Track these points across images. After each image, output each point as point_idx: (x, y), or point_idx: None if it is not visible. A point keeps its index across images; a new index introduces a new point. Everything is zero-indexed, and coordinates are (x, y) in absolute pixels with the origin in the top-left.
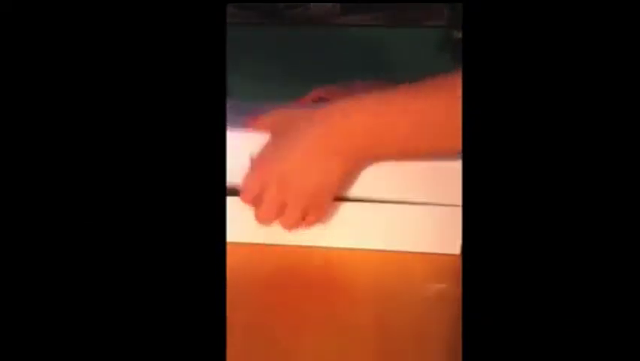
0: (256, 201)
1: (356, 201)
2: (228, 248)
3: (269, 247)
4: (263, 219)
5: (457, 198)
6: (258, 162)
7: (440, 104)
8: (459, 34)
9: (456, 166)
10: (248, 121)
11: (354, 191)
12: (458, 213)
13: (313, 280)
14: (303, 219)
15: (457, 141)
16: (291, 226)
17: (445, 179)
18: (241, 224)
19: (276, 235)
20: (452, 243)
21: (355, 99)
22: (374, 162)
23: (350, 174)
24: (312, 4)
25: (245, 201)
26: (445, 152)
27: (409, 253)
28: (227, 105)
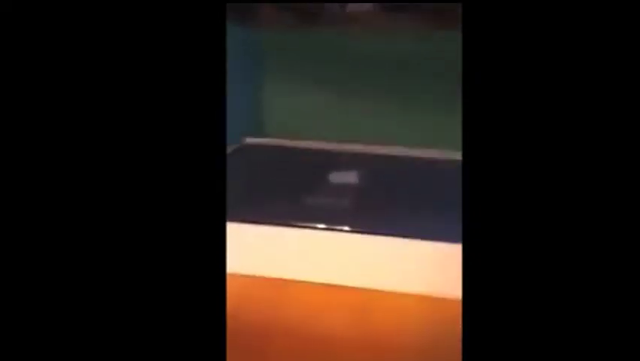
0: None
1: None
2: (228, 279)
3: (268, 280)
4: None
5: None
6: None
7: None
8: None
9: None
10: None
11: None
12: (458, 251)
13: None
14: None
15: None
16: None
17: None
18: (240, 254)
19: (277, 267)
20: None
21: None
22: None
23: None
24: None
25: None
26: None
27: (412, 294)
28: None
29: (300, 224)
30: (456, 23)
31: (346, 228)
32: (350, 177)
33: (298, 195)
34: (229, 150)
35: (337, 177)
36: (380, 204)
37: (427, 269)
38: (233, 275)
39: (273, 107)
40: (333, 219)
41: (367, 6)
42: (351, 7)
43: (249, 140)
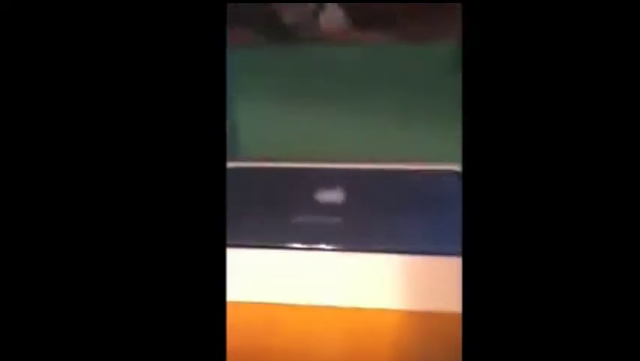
0: None
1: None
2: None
3: (258, 305)
4: None
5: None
6: None
7: None
8: None
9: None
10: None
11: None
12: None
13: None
14: None
15: None
16: None
17: None
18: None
19: (265, 291)
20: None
21: None
22: None
23: None
24: (321, 19)
25: None
26: None
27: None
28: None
29: (289, 245)
30: (433, 38)
31: (336, 247)
32: (336, 195)
33: (285, 216)
34: None
35: (323, 196)
36: (368, 221)
37: (418, 285)
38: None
39: (249, 127)
40: (322, 238)
41: (340, 21)
42: (324, 23)
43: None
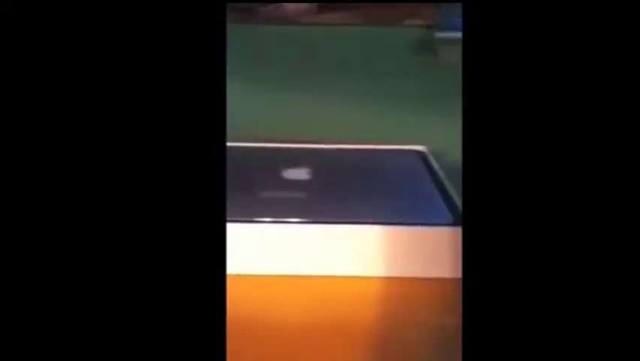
0: None
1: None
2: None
3: (266, 278)
4: None
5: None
6: None
7: None
8: (440, 35)
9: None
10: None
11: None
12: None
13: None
14: None
15: None
16: None
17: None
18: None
19: (245, 264)
20: (452, 266)
21: None
22: None
23: None
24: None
25: None
26: None
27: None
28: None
29: (254, 219)
30: (398, 20)
31: (302, 219)
32: (302, 173)
33: (251, 192)
34: None
35: (289, 173)
36: (333, 195)
37: (386, 253)
38: None
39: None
40: (289, 211)
41: (302, 6)
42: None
43: None
